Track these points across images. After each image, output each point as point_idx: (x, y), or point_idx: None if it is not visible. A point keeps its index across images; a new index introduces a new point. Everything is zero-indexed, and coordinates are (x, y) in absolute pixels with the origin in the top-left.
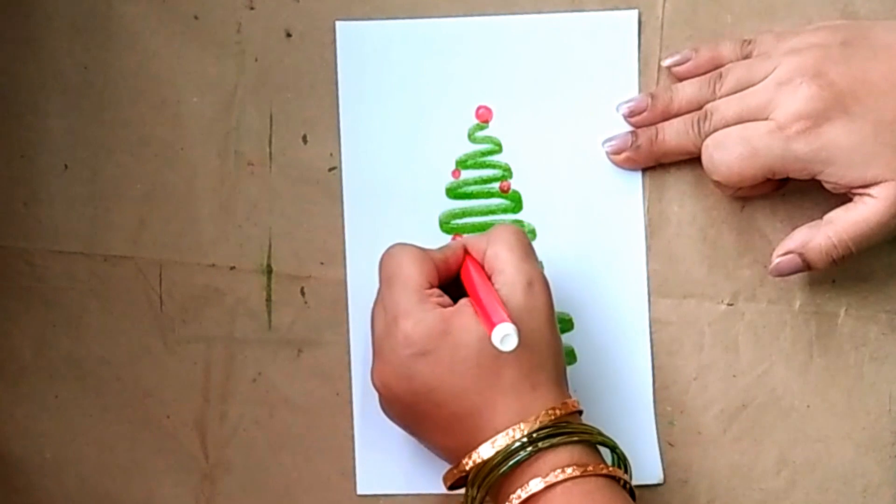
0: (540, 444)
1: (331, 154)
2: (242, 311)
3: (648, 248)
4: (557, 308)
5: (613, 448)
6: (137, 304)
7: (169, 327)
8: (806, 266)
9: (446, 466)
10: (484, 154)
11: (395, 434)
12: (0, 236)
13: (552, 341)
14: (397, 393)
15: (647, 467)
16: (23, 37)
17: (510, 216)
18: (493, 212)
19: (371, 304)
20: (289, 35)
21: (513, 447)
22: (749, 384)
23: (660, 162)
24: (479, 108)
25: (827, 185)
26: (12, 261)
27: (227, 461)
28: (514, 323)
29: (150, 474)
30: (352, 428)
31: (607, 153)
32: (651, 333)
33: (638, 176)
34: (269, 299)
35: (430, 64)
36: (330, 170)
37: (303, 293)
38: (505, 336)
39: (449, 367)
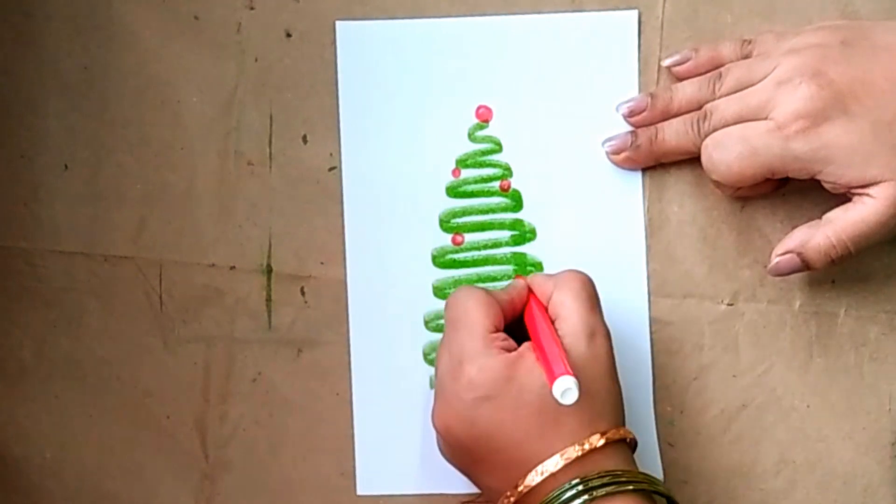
0: (595, 493)
1: (331, 154)
2: (242, 311)
3: (648, 248)
4: None
5: (669, 497)
6: (137, 304)
7: (169, 327)
8: (805, 266)
9: (445, 468)
10: (484, 153)
11: (395, 435)
12: (0, 236)
13: (613, 390)
14: (458, 436)
15: (647, 467)
16: (23, 37)
17: (510, 215)
18: (493, 210)
19: (371, 304)
20: (289, 35)
21: (565, 494)
22: (749, 384)
23: (659, 162)
24: (479, 108)
25: (826, 185)
26: (12, 261)
27: (227, 461)
28: (576, 373)
29: (150, 474)
30: (352, 428)
31: (607, 153)
32: (651, 333)
33: (638, 176)
34: (269, 299)
35: (430, 64)
36: (330, 170)
37: (303, 293)
38: (566, 390)
39: (511, 413)
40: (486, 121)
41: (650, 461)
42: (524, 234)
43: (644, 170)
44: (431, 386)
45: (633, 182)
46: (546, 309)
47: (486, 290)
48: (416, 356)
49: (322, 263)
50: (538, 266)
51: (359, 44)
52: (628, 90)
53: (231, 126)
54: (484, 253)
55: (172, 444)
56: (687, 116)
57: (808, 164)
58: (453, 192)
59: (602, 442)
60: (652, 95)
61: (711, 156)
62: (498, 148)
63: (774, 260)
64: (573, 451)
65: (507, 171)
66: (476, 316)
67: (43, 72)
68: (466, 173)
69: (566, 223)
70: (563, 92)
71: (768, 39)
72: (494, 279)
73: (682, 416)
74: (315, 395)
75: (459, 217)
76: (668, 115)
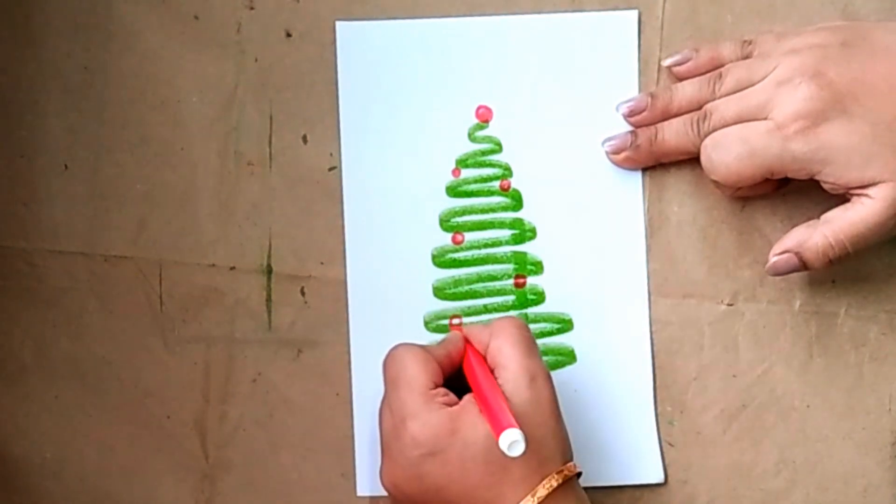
0: None
1: (331, 154)
2: (242, 311)
3: (648, 249)
4: (557, 308)
5: None
6: (137, 304)
7: (169, 327)
8: (802, 265)
9: None
10: (484, 153)
11: None
12: (0, 236)
13: (558, 432)
14: (407, 493)
15: (647, 467)
16: (23, 37)
17: (510, 214)
18: (493, 210)
19: (371, 304)
20: (289, 35)
21: None
22: (749, 384)
23: (659, 162)
24: (479, 108)
25: (825, 186)
26: (12, 261)
27: (227, 461)
28: (520, 419)
29: (150, 474)
30: (352, 428)
31: (607, 153)
32: (651, 333)
33: (638, 176)
34: (269, 299)
35: (430, 64)
36: (330, 170)
37: (303, 293)
38: (513, 442)
39: (458, 465)
40: (486, 121)
41: (651, 460)
42: (524, 232)
43: (644, 170)
44: None
45: (633, 182)
46: (484, 358)
47: (423, 347)
48: None
49: (322, 263)
50: (538, 265)
51: (359, 44)
52: (628, 90)
53: (231, 126)
54: (484, 252)
55: (172, 444)
56: (687, 117)
57: (806, 164)
58: (453, 191)
59: (551, 490)
60: (652, 95)
61: (710, 156)
62: (498, 148)
63: (772, 259)
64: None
65: (507, 171)
66: (414, 372)
67: (43, 72)
68: (466, 173)
69: (566, 223)
70: (563, 92)
71: (769, 40)
72: (495, 278)
73: (682, 415)
74: (315, 396)
75: (459, 216)
76: (668, 115)
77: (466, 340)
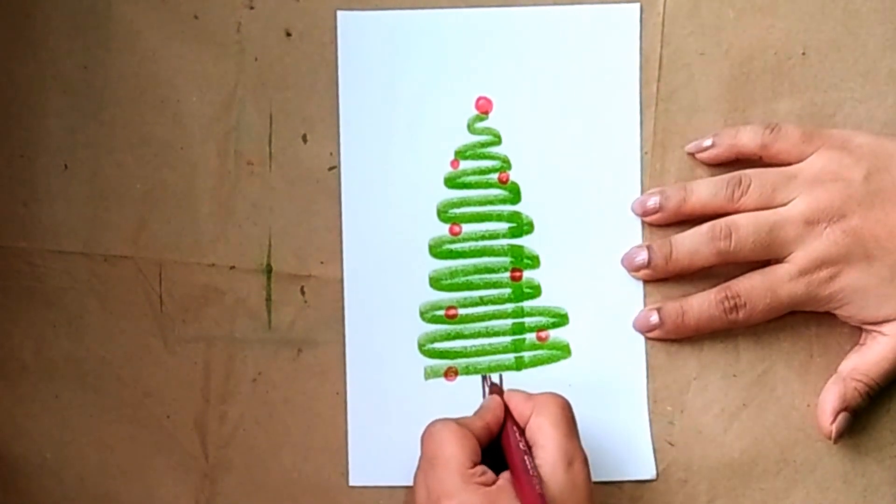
0: None
1: (330, 153)
2: (242, 311)
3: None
4: (553, 302)
5: None
6: (137, 304)
7: (169, 327)
8: (853, 415)
9: None
10: (483, 145)
11: (389, 426)
12: (0, 236)
13: None
14: None
15: (640, 463)
16: (23, 37)
17: (508, 207)
18: (491, 202)
19: (367, 294)
20: (289, 34)
21: None
22: (749, 384)
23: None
24: (479, 99)
25: (839, 317)
26: (12, 261)
27: (227, 461)
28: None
29: (150, 474)
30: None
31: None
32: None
33: (637, 172)
34: (269, 299)
35: (430, 54)
36: (330, 169)
37: (303, 293)
38: None
39: None
40: (486, 112)
41: (644, 456)
42: (521, 226)
43: (643, 167)
44: (426, 377)
45: (633, 178)
46: (523, 430)
47: (460, 423)
48: (411, 347)
49: (322, 263)
50: (535, 259)
51: (360, 34)
52: (629, 84)
53: (231, 126)
54: (481, 244)
55: (172, 444)
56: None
57: (823, 304)
58: (452, 182)
59: None
60: (662, 197)
61: (738, 321)
62: (497, 140)
63: (831, 428)
64: None
65: (506, 164)
66: (452, 451)
67: (43, 72)
68: (465, 165)
69: (564, 217)
70: (564, 85)
71: (792, 136)
72: (491, 270)
73: (683, 415)
74: (315, 395)
75: (457, 207)
76: (681, 217)
77: (506, 409)
